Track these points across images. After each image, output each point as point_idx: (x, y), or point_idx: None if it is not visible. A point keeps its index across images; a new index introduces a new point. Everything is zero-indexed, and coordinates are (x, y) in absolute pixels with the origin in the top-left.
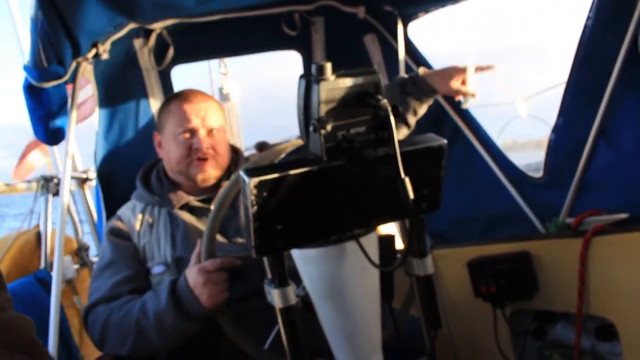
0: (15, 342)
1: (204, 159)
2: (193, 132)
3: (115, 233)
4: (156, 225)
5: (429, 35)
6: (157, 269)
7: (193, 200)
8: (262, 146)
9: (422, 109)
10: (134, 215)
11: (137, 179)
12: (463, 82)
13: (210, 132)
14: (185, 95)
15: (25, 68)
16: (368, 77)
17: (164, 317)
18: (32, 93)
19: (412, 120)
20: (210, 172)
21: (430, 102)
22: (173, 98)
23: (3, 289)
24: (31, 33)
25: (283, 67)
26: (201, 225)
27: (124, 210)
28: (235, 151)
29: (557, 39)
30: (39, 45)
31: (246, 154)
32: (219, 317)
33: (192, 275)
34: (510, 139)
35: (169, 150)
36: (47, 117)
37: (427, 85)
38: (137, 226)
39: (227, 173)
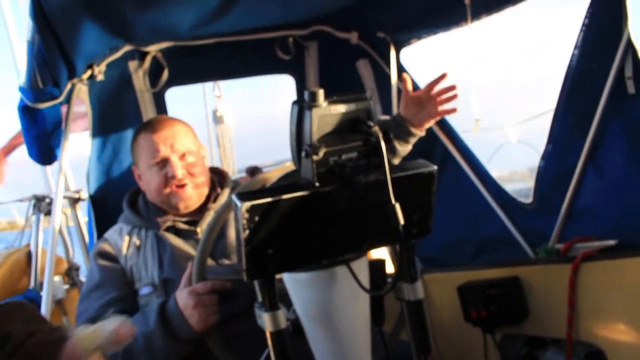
0: (32, 316)
1: (181, 186)
2: (165, 161)
3: (102, 255)
4: (143, 248)
5: (422, 62)
6: (144, 290)
7: (179, 223)
8: (253, 171)
9: (405, 150)
10: (120, 238)
11: (124, 202)
12: (435, 104)
13: (182, 157)
14: (151, 126)
15: (21, 89)
16: (360, 103)
17: (152, 340)
18: (27, 113)
19: (395, 161)
20: (191, 197)
21: (413, 140)
22: (140, 130)
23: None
24: (27, 55)
25: (277, 88)
26: (188, 247)
27: (111, 233)
28: (218, 172)
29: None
30: (35, 67)
31: (237, 176)
32: (209, 339)
33: (183, 297)
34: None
35: (147, 183)
36: (42, 137)
37: (406, 124)
38: (124, 248)
39: (211, 193)
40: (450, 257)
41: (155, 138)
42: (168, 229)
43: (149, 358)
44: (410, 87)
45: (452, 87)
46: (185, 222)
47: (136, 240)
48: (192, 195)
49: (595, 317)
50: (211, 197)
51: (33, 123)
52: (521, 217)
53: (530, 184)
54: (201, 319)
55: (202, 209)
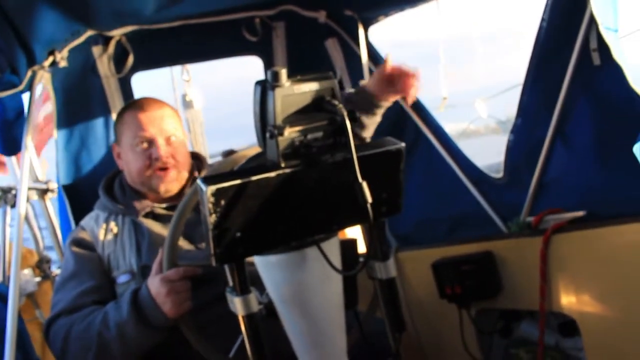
0: None
1: (164, 169)
2: (151, 142)
3: (78, 244)
4: (120, 235)
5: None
6: (122, 278)
7: (157, 208)
8: (229, 154)
9: (373, 121)
10: (97, 225)
11: (99, 188)
12: (404, 84)
13: (168, 140)
14: (139, 105)
15: None
16: (324, 82)
17: (125, 328)
18: None
19: (366, 133)
20: (173, 182)
21: (380, 112)
22: (127, 108)
23: None
24: None
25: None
26: (165, 233)
27: (87, 221)
28: (197, 158)
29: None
30: None
31: (211, 161)
32: (182, 326)
33: (155, 284)
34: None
35: (128, 162)
36: (3, 127)
37: (371, 97)
38: (101, 236)
39: (190, 180)
40: (424, 235)
41: (143, 117)
42: (146, 215)
43: (122, 346)
44: (390, 66)
45: (415, 74)
46: (164, 208)
47: (113, 227)
48: (174, 179)
49: (566, 288)
50: (189, 182)
51: None
52: (493, 192)
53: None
54: (174, 306)
55: (181, 194)
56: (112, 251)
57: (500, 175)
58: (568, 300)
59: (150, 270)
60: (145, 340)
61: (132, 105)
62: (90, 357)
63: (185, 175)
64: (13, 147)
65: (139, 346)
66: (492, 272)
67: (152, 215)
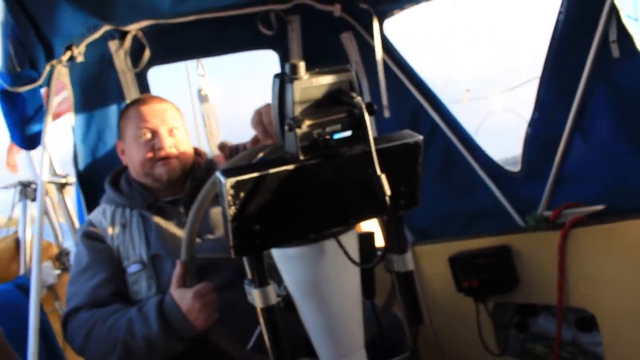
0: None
1: (167, 158)
2: (154, 132)
3: (89, 236)
4: (129, 226)
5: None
6: (133, 268)
7: (161, 202)
8: (222, 147)
9: None
10: (105, 219)
11: (105, 183)
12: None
13: (170, 131)
14: (141, 100)
15: None
16: (342, 74)
17: (154, 341)
18: (7, 98)
19: None
20: (176, 171)
21: None
22: (130, 104)
23: None
24: (2, 38)
25: (262, 64)
26: (170, 226)
27: (95, 214)
28: (198, 154)
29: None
30: (11, 50)
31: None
32: (213, 334)
33: (187, 301)
34: None
35: (132, 155)
36: (23, 121)
37: None
38: (110, 229)
39: (192, 173)
40: (441, 229)
41: (146, 110)
42: (151, 208)
43: (148, 356)
44: None
45: None
46: (167, 202)
47: (121, 220)
48: (177, 168)
49: (584, 282)
50: (191, 176)
51: (13, 108)
52: (510, 186)
53: None
54: (206, 319)
55: (183, 187)
56: (121, 242)
57: (517, 169)
58: (586, 295)
59: (160, 260)
60: (173, 350)
61: (135, 101)
62: (113, 358)
63: (187, 168)
64: (33, 142)
65: (165, 355)
66: (509, 266)
67: (157, 209)
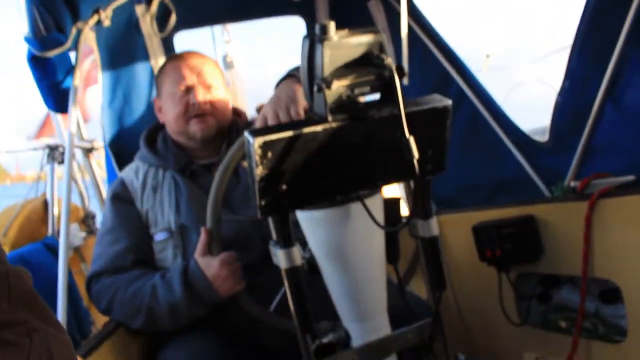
0: (16, 295)
1: (202, 115)
2: (189, 88)
3: (118, 197)
4: (160, 189)
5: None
6: (160, 236)
7: (196, 165)
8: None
9: None
10: (137, 177)
11: (140, 139)
12: None
13: (207, 88)
14: (180, 55)
15: (26, 39)
16: (372, 36)
17: (178, 307)
18: (37, 64)
19: None
20: (211, 128)
21: None
22: (168, 60)
23: None
24: (27, 3)
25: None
26: (204, 191)
27: (127, 172)
28: (238, 114)
29: None
30: (36, 14)
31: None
32: (240, 300)
33: (213, 269)
34: None
35: (167, 112)
36: (55, 85)
37: None
38: (140, 188)
39: (229, 136)
40: (465, 198)
41: (183, 65)
42: (184, 171)
43: (172, 320)
44: None
45: None
46: (202, 165)
47: (152, 181)
48: (212, 127)
49: (611, 253)
50: (229, 138)
51: (44, 73)
52: (537, 156)
53: None
54: (232, 287)
55: (219, 150)
56: (150, 206)
57: (545, 138)
58: (612, 266)
59: (188, 230)
60: (197, 315)
61: (173, 56)
62: (137, 322)
63: (224, 128)
64: (64, 105)
65: (188, 319)
66: (534, 237)
67: (190, 172)
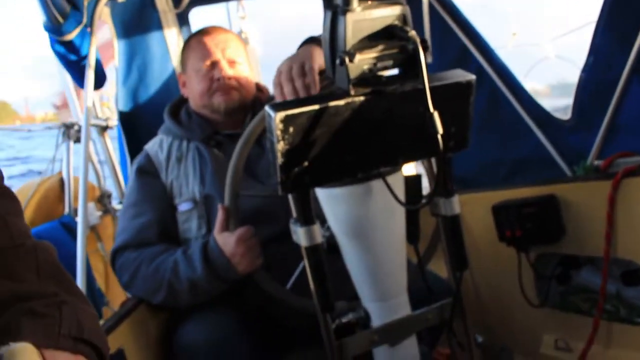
0: (45, 268)
1: (227, 88)
2: (214, 63)
3: (143, 170)
4: (184, 160)
5: None
6: (184, 206)
7: (220, 136)
8: None
9: None
10: (161, 150)
11: (165, 113)
12: None
13: (232, 63)
14: (205, 30)
15: (46, 28)
16: (395, 8)
17: (198, 283)
18: (59, 49)
19: None
20: (234, 101)
21: None
22: (193, 35)
23: (22, 217)
24: None
25: (304, 8)
26: (228, 159)
27: (151, 145)
28: (260, 89)
29: None
30: (49, 3)
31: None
32: (257, 278)
33: (230, 245)
34: None
35: (192, 87)
36: (80, 62)
37: None
38: (165, 160)
39: (252, 109)
40: (485, 177)
41: (208, 41)
42: (209, 141)
43: (192, 296)
44: None
45: None
46: (226, 135)
47: (177, 152)
48: (236, 100)
49: (635, 234)
50: (251, 112)
51: (68, 51)
52: (558, 135)
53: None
54: (250, 264)
55: (243, 121)
56: (175, 177)
57: (567, 117)
58: (635, 247)
59: (213, 200)
60: (216, 291)
61: (199, 31)
62: (158, 297)
63: (247, 102)
64: (98, 81)
65: (208, 295)
66: (555, 216)
67: (215, 143)
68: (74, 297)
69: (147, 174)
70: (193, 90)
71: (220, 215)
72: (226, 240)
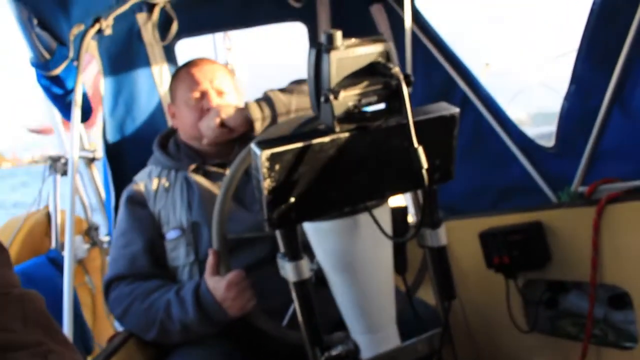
0: (31, 316)
1: None
2: (203, 94)
3: (132, 200)
4: (172, 189)
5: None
6: (172, 234)
7: (208, 165)
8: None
9: None
10: (150, 179)
11: (154, 144)
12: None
13: (220, 93)
14: (193, 62)
15: (33, 64)
16: (379, 45)
17: (190, 325)
18: (45, 83)
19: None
20: (224, 132)
21: None
22: (182, 67)
23: (10, 267)
24: (24, 35)
25: (289, 39)
26: (216, 189)
27: (140, 175)
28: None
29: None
30: (35, 40)
31: None
32: (252, 319)
33: (220, 291)
34: None
35: (182, 118)
36: (66, 96)
37: None
38: (154, 189)
39: (239, 140)
40: (471, 204)
41: (196, 71)
42: (197, 171)
43: (183, 337)
44: None
45: None
46: (214, 164)
47: (165, 182)
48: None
49: (619, 259)
50: (239, 141)
51: (56, 88)
52: (543, 161)
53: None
54: (241, 308)
55: (231, 151)
56: (162, 206)
57: (551, 144)
58: (621, 271)
59: (200, 227)
60: (208, 332)
61: (187, 63)
62: (150, 335)
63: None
64: (83, 114)
65: (199, 335)
66: (541, 243)
67: (203, 172)
68: (60, 345)
69: (137, 203)
70: (183, 121)
71: (210, 260)
72: (217, 285)
